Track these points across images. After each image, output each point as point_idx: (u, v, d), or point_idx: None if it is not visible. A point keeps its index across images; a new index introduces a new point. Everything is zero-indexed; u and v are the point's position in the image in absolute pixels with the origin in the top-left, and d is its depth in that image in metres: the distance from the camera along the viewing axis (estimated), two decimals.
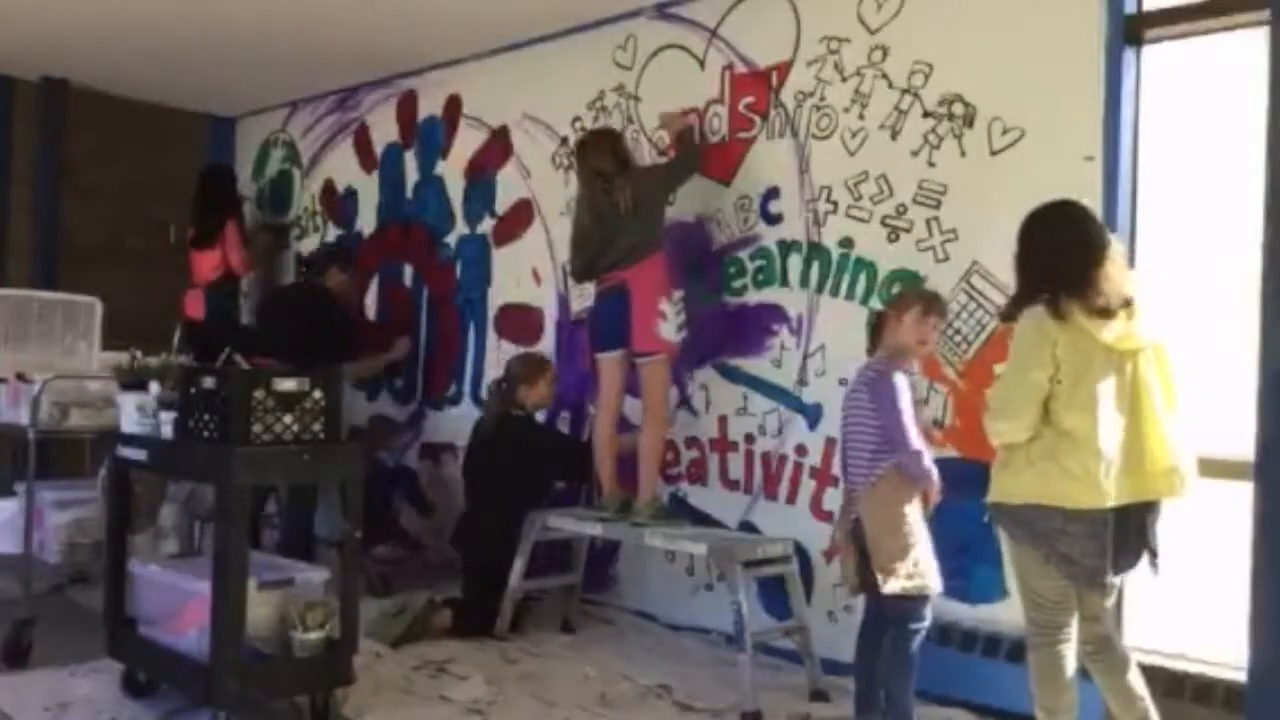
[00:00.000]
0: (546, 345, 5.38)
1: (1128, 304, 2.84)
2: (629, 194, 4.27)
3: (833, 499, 4.18)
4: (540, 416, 5.19)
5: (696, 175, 4.61)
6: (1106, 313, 2.79)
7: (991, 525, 3.05)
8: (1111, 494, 2.80)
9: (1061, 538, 2.83)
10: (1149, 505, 2.89)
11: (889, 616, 3.37)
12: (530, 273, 5.50)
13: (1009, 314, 3.00)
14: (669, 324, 4.27)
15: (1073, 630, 2.93)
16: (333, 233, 6.73)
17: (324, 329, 5.16)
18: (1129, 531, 2.87)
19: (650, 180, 4.46)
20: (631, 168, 4.45)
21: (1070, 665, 2.93)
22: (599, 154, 4.41)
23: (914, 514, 3.33)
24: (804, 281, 4.36)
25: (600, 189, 4.34)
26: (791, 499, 4.38)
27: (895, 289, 4.01)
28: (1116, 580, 2.92)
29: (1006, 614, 3.67)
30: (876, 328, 3.55)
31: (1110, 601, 2.99)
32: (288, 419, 3.21)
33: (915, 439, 3.31)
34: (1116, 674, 2.96)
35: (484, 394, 5.47)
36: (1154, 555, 2.92)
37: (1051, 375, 2.80)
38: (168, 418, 3.38)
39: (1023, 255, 2.96)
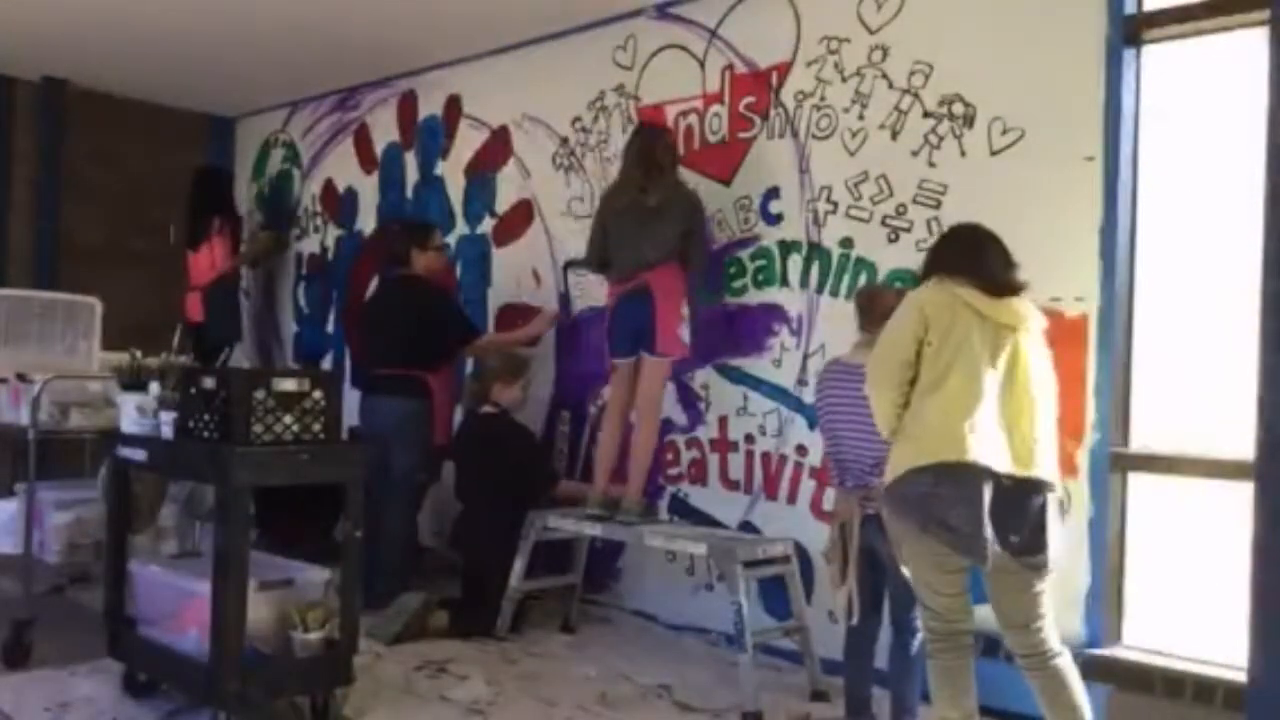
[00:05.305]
0: (546, 345, 5.38)
1: (1015, 291, 2.90)
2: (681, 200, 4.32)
3: (833, 499, 4.17)
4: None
5: (697, 176, 4.62)
6: (989, 290, 2.86)
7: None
8: (977, 453, 2.71)
9: (934, 501, 2.74)
10: (1035, 484, 2.80)
11: (899, 617, 3.30)
12: (530, 273, 5.50)
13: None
14: (686, 328, 4.31)
15: (971, 639, 2.90)
16: (333, 233, 6.73)
17: None
18: (1014, 507, 2.76)
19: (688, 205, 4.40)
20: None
21: (971, 676, 2.89)
22: (668, 155, 4.39)
23: None
24: (804, 282, 4.36)
25: (672, 186, 4.33)
26: (791, 499, 4.38)
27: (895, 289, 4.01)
28: (1000, 551, 2.74)
29: None
30: (869, 309, 3.47)
31: (1042, 609, 2.87)
32: (288, 419, 3.21)
33: None
34: (1058, 686, 2.84)
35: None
36: (1034, 539, 2.78)
37: (920, 336, 2.83)
38: (168, 418, 3.38)
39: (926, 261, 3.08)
